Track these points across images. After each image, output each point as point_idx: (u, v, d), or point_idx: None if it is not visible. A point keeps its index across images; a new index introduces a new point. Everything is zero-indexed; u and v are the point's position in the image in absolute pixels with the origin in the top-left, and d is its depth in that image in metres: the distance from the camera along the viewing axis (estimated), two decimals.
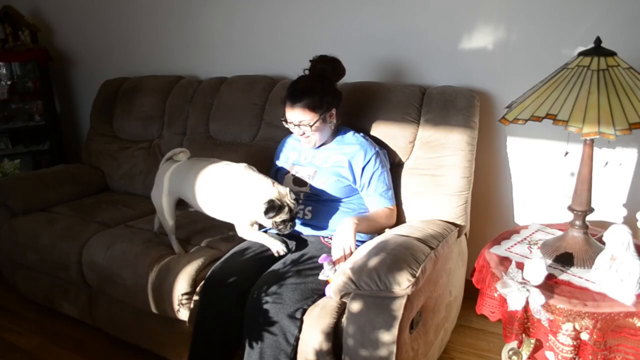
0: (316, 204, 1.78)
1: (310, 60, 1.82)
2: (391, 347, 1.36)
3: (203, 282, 1.67)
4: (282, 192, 1.64)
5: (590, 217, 1.50)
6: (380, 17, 2.15)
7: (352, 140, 1.81)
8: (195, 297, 1.70)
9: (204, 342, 1.62)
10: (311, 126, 1.73)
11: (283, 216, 1.64)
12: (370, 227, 1.72)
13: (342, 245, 1.58)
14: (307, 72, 1.82)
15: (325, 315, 1.46)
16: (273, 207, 1.60)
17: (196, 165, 1.82)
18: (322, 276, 1.53)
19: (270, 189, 1.64)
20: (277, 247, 1.69)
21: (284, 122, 1.79)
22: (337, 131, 1.84)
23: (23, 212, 2.35)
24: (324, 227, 1.77)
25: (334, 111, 1.78)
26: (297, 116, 1.73)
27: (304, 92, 1.72)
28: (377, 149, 1.79)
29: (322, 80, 1.77)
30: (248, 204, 1.67)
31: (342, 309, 1.49)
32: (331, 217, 1.77)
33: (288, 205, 1.64)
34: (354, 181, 1.77)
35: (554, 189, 1.98)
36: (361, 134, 1.84)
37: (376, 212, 1.77)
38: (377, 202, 1.77)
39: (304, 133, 1.76)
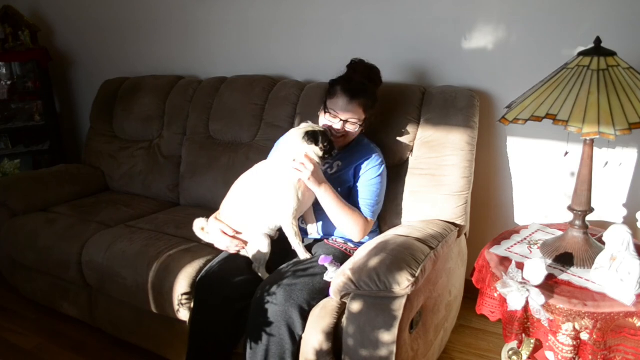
0: (318, 207, 1.77)
1: (353, 61, 1.80)
2: (391, 347, 1.36)
3: (198, 280, 1.68)
4: (310, 124, 1.65)
5: (590, 217, 1.50)
6: (380, 18, 2.15)
7: (366, 147, 1.76)
8: None
9: (200, 341, 1.62)
10: (360, 125, 1.69)
11: (324, 141, 1.60)
12: (337, 208, 1.63)
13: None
14: (346, 70, 1.78)
15: (325, 316, 1.46)
16: (315, 133, 1.59)
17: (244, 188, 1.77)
18: (327, 277, 1.54)
19: (296, 129, 1.65)
20: (304, 255, 1.67)
21: (324, 115, 1.72)
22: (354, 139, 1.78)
23: (23, 212, 2.35)
24: (328, 231, 1.77)
25: (374, 113, 1.75)
26: (349, 112, 1.67)
27: (362, 90, 1.68)
28: (384, 164, 1.75)
29: (373, 84, 1.75)
30: (290, 146, 1.64)
31: (342, 309, 1.49)
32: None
33: (320, 130, 1.63)
34: (354, 182, 1.75)
35: (554, 189, 1.98)
36: (373, 143, 1.80)
37: (354, 210, 1.69)
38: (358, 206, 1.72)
39: (345, 132, 1.70)
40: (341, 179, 1.74)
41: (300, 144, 1.60)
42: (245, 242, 1.72)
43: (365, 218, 1.70)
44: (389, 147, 1.88)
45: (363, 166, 1.73)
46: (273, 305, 1.47)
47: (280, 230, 1.74)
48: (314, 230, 1.78)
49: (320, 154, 1.61)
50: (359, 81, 1.71)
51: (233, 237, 1.71)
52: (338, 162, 1.76)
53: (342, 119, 1.68)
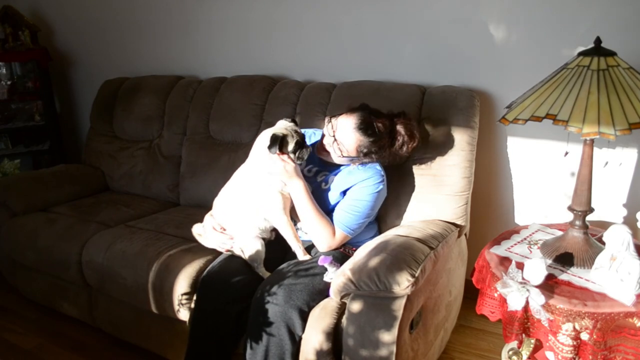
0: None
1: (402, 114, 1.69)
2: (391, 347, 1.36)
3: (200, 281, 1.68)
4: (282, 126, 1.63)
5: (590, 217, 1.50)
6: (380, 19, 2.15)
7: (368, 170, 1.69)
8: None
9: (200, 341, 1.62)
10: (343, 156, 1.65)
11: (291, 145, 1.59)
12: (306, 206, 1.62)
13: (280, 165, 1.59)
14: (389, 112, 1.69)
15: (325, 316, 1.46)
16: (275, 140, 1.57)
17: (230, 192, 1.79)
18: (326, 278, 1.54)
19: (268, 131, 1.63)
20: (302, 256, 1.66)
21: (327, 121, 1.67)
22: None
23: (23, 212, 2.35)
24: None
25: (365, 161, 1.67)
26: (345, 136, 1.61)
27: (371, 132, 1.60)
28: (383, 186, 1.69)
29: (390, 141, 1.65)
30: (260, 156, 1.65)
31: (342, 309, 1.49)
32: None
33: (290, 133, 1.60)
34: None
35: (554, 189, 1.98)
36: (381, 170, 1.72)
37: (326, 218, 1.66)
38: (335, 218, 1.68)
39: (332, 146, 1.66)
40: (332, 196, 1.71)
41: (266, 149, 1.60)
42: (231, 237, 1.74)
43: (334, 230, 1.66)
44: None
45: (355, 187, 1.68)
46: (273, 306, 1.47)
47: (274, 230, 1.75)
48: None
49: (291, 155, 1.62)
50: (379, 127, 1.62)
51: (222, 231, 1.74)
52: (334, 176, 1.74)
53: (336, 137, 1.63)
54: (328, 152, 1.69)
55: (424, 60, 2.11)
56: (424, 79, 2.09)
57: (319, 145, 1.72)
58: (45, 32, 3.21)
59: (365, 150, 1.63)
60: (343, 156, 1.66)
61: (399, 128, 1.66)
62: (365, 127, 1.61)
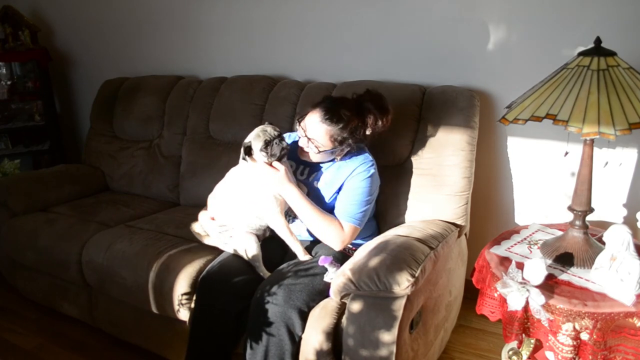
0: None
1: (368, 90, 1.69)
2: (391, 347, 1.36)
3: (200, 280, 1.68)
4: (253, 132, 1.69)
5: (590, 217, 1.50)
6: (380, 19, 2.15)
7: (355, 160, 1.69)
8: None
9: (200, 341, 1.62)
10: (320, 151, 1.64)
11: (257, 146, 1.64)
12: (306, 208, 1.62)
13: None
14: (354, 96, 1.69)
15: (325, 316, 1.46)
16: (248, 148, 1.65)
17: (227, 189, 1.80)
18: (327, 278, 1.54)
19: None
20: (303, 256, 1.67)
21: (297, 123, 1.68)
22: (351, 152, 1.70)
23: (23, 212, 2.35)
24: None
25: (344, 149, 1.67)
26: (315, 131, 1.61)
27: (337, 119, 1.58)
28: (374, 169, 1.69)
29: (361, 121, 1.63)
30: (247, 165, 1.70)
31: (342, 309, 1.49)
32: None
33: (257, 134, 1.65)
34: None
35: (554, 189, 1.98)
36: (369, 156, 1.72)
37: (329, 215, 1.65)
38: (338, 213, 1.67)
39: (308, 145, 1.65)
40: (328, 193, 1.71)
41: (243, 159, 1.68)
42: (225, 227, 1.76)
43: (341, 224, 1.64)
44: (389, 146, 1.88)
45: (348, 179, 1.68)
46: (273, 306, 1.47)
47: (269, 228, 1.75)
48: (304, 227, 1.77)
49: (266, 160, 1.64)
50: (344, 112, 1.60)
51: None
52: (326, 175, 1.74)
53: (308, 136, 1.63)
54: (308, 154, 1.69)
55: (424, 60, 2.11)
56: (424, 79, 2.09)
57: (300, 150, 1.72)
58: (45, 32, 3.21)
59: (339, 138, 1.62)
60: (320, 152, 1.65)
61: (367, 105, 1.65)
62: (330, 117, 1.59)
